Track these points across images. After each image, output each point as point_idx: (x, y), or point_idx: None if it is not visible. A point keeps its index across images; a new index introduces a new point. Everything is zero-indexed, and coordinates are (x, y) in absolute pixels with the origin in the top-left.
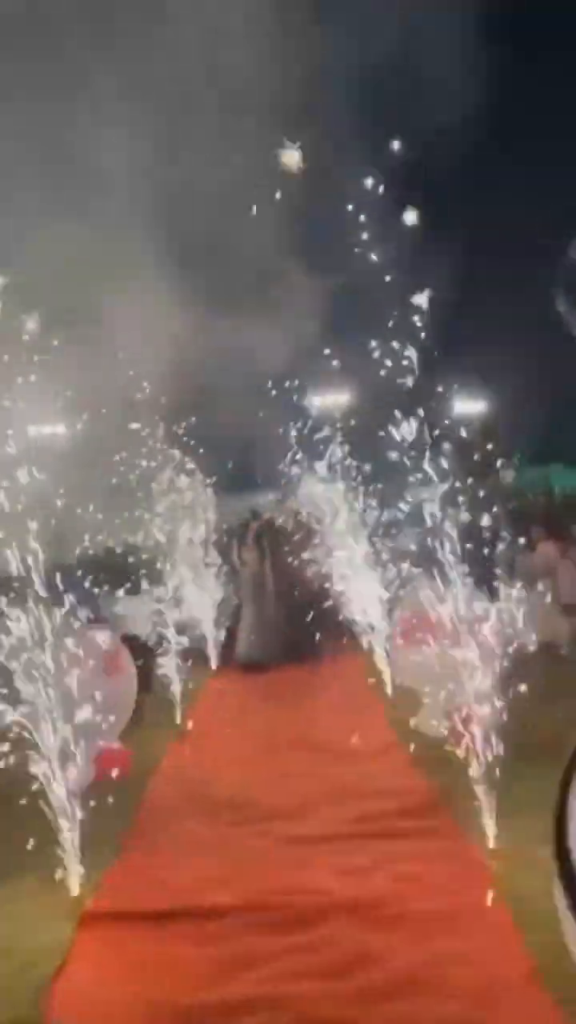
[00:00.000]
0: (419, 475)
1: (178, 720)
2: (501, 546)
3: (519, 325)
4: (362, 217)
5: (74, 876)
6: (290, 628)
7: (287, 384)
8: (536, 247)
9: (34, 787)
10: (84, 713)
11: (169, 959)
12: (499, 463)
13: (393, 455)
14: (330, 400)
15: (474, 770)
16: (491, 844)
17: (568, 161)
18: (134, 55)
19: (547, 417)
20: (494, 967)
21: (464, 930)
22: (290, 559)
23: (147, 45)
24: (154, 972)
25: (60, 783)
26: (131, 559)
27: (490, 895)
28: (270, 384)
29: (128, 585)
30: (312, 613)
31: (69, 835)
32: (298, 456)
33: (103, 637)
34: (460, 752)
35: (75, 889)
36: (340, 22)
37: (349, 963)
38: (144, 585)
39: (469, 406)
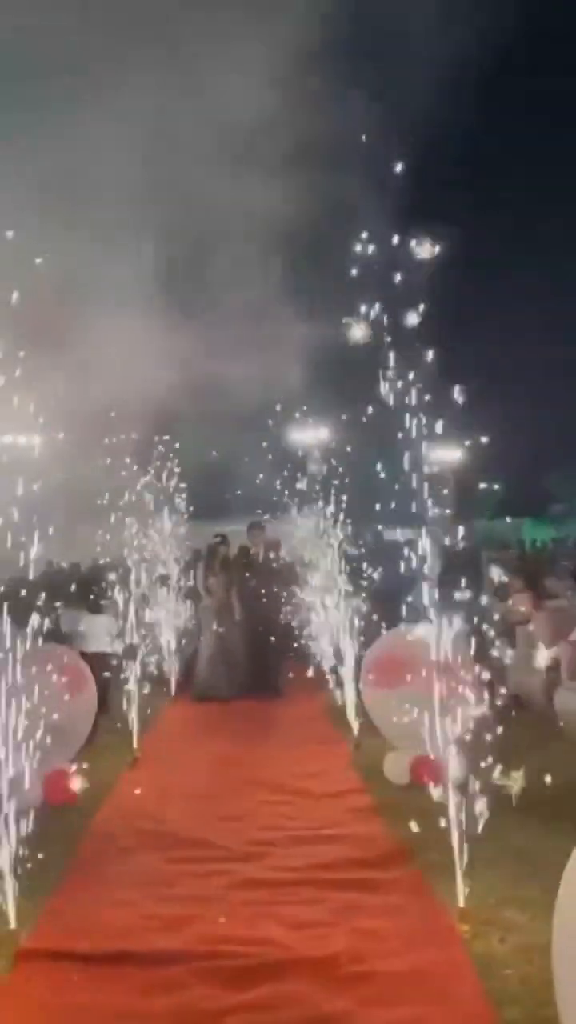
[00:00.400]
0: (395, 514)
1: (134, 745)
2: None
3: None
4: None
5: (10, 907)
6: (253, 661)
7: (268, 414)
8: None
9: None
10: (40, 733)
11: (109, 1009)
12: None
13: (368, 492)
14: (310, 434)
15: (440, 820)
16: (458, 901)
17: None
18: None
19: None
20: None
21: (429, 995)
22: (260, 589)
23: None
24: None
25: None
26: (95, 576)
27: (456, 956)
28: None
29: (90, 602)
30: (277, 647)
31: (7, 862)
32: (275, 485)
33: (65, 654)
34: (425, 800)
35: (11, 922)
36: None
37: None
38: (106, 604)
39: (447, 454)
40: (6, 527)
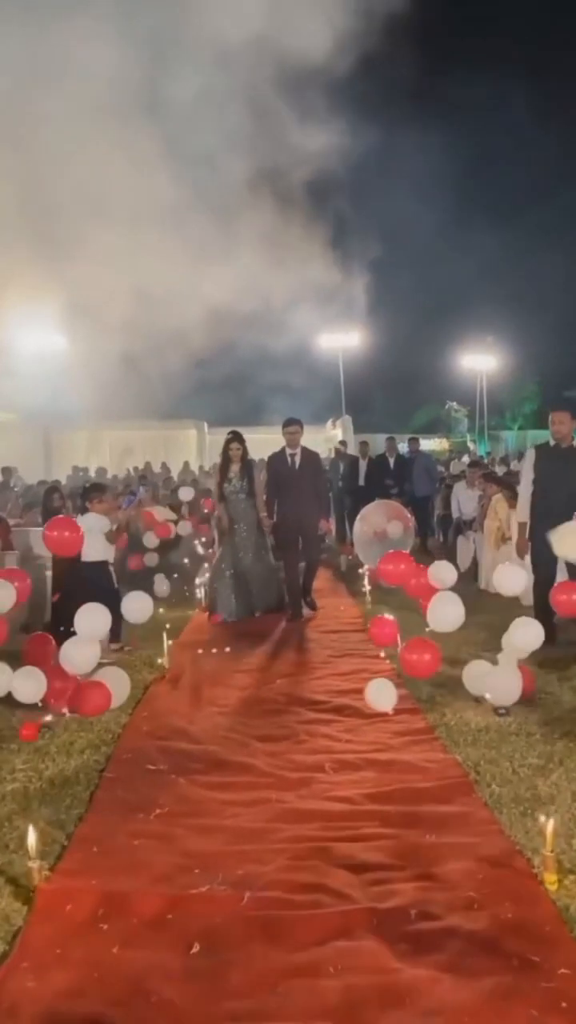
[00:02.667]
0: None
1: (163, 658)
2: None
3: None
4: None
5: (31, 839)
6: (275, 578)
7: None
8: None
9: None
10: None
11: (144, 968)
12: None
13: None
14: (337, 340)
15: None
16: (534, 842)
17: None
18: None
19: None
20: None
21: (519, 961)
22: (294, 499)
23: None
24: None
25: None
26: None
27: (544, 912)
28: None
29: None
30: (309, 559)
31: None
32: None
33: None
34: (486, 720)
35: (33, 854)
36: None
37: None
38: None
39: (478, 361)
40: None
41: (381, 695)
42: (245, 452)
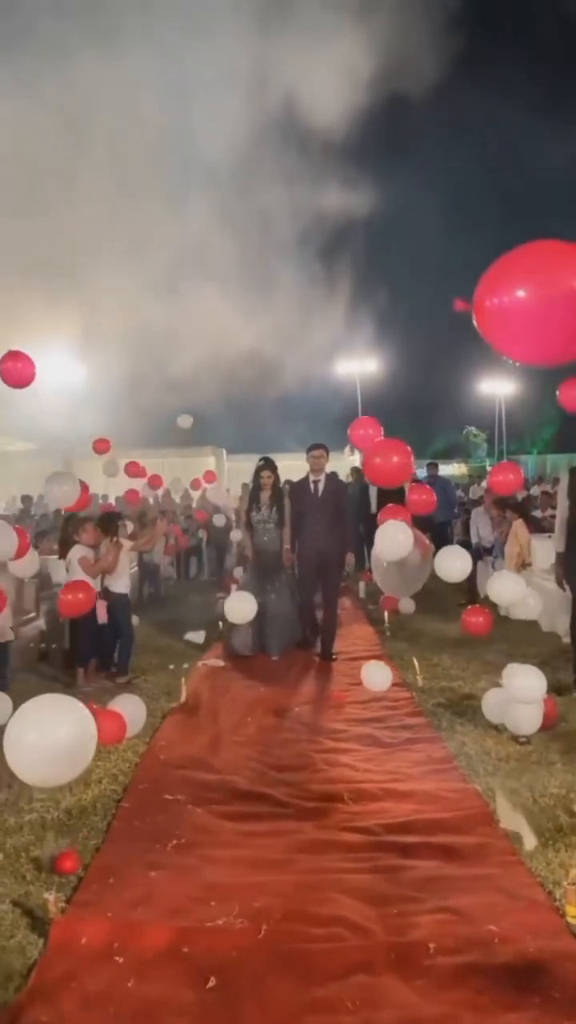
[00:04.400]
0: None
1: (181, 687)
2: None
3: None
4: None
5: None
6: (298, 615)
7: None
8: None
9: None
10: None
11: (160, 1003)
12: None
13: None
14: (355, 366)
15: (524, 776)
16: (557, 875)
17: None
18: None
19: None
20: None
21: (542, 999)
22: (317, 526)
23: None
24: None
25: None
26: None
27: (567, 947)
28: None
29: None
30: (330, 596)
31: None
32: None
33: None
34: (507, 749)
35: (51, 883)
36: None
37: None
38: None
39: (496, 386)
40: None
41: (376, 676)
42: (277, 480)
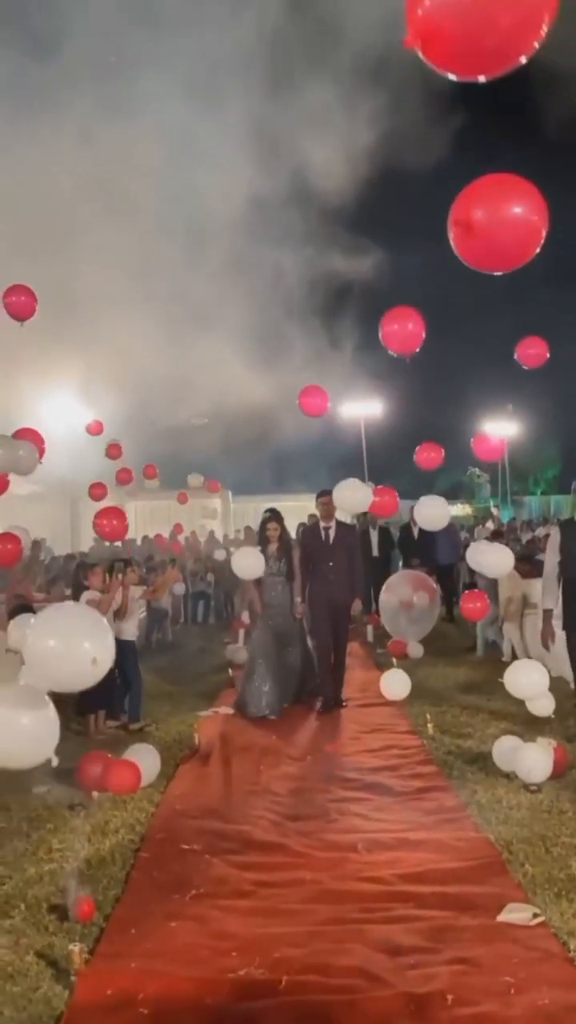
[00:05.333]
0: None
1: (194, 736)
2: None
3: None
4: None
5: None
6: (308, 670)
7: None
8: None
9: None
10: None
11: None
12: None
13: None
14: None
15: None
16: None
17: None
18: None
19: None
20: None
21: None
22: (329, 575)
23: None
24: None
25: None
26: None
27: None
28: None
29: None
30: (340, 648)
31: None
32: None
33: None
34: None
35: (74, 936)
36: None
37: None
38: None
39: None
40: None
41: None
42: (284, 532)
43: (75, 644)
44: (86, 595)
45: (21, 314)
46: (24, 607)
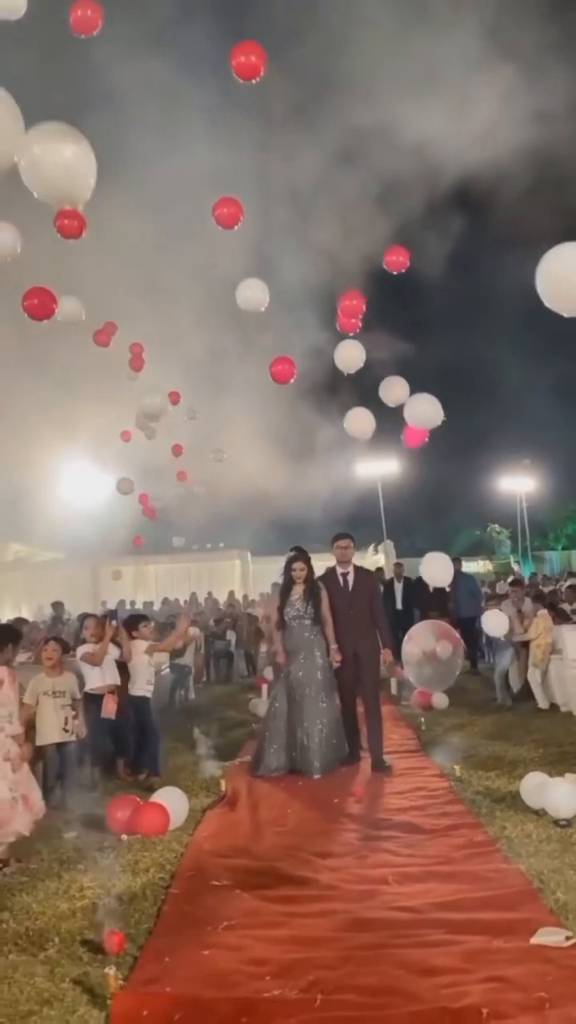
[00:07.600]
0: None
1: (220, 780)
2: None
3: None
4: None
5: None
6: (330, 727)
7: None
8: None
9: None
10: None
11: None
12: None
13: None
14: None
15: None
16: None
17: None
18: None
19: None
20: None
21: None
22: (351, 624)
23: None
24: None
25: None
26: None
27: None
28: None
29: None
30: (369, 699)
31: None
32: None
33: None
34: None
35: (110, 965)
36: None
37: None
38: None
39: (517, 483)
40: None
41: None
42: (311, 572)
43: None
44: (81, 649)
45: (41, 315)
46: None
